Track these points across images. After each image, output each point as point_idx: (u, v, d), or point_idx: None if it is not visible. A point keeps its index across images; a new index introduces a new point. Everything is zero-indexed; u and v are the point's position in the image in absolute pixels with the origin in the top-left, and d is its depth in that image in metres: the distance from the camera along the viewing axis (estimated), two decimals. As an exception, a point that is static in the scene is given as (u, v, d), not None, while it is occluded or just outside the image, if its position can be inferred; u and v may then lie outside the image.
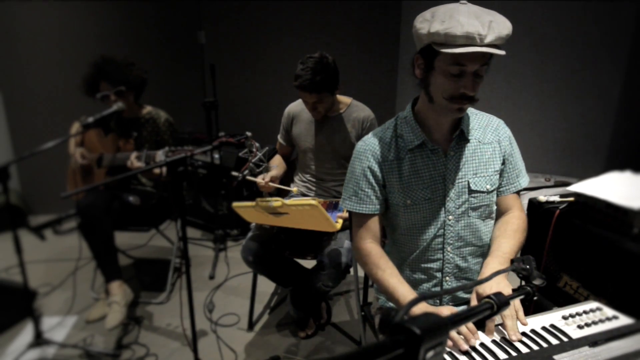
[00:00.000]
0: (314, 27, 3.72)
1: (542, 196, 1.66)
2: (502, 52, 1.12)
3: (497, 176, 1.37)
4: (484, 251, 1.41)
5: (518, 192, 1.42)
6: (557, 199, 1.64)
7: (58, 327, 2.37)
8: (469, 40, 1.09)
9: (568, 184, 1.69)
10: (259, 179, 2.03)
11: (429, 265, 1.39)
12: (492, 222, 1.42)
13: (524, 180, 1.41)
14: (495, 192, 1.38)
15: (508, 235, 1.32)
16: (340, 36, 3.69)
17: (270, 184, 2.03)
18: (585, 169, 3.58)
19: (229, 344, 2.25)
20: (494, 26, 1.10)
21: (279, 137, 2.37)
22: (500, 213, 1.42)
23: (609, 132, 3.67)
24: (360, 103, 2.26)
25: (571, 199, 1.60)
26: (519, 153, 1.42)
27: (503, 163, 1.37)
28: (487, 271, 1.23)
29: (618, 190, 1.45)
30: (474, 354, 1.01)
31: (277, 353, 2.18)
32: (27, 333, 2.29)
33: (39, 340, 2.14)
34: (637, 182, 1.51)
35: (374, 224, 1.41)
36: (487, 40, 1.09)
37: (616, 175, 1.57)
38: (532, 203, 1.69)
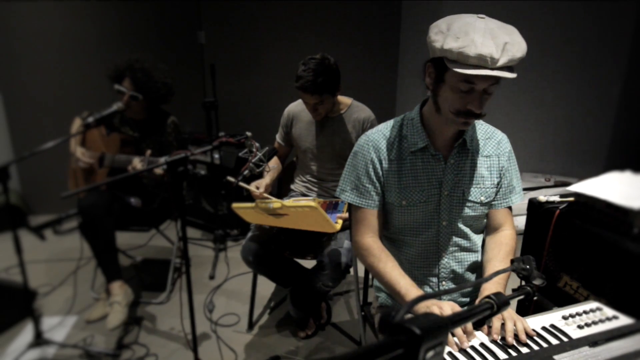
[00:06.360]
0: (314, 27, 3.71)
1: (542, 196, 1.65)
2: (513, 75, 1.11)
3: (493, 190, 1.38)
4: (478, 259, 1.43)
5: (510, 208, 1.44)
6: (557, 199, 1.63)
7: (58, 327, 2.37)
8: (481, 61, 1.08)
9: (568, 184, 1.69)
10: (253, 188, 1.98)
11: (424, 269, 1.41)
12: (482, 235, 1.45)
13: (517, 198, 1.43)
14: (488, 205, 1.40)
15: (502, 258, 1.33)
16: (340, 36, 3.68)
17: (265, 194, 1.99)
18: (585, 169, 3.58)
19: (229, 344, 2.25)
20: (508, 48, 1.09)
21: (277, 137, 2.37)
22: (491, 227, 1.43)
23: (609, 132, 3.67)
24: (361, 104, 2.26)
25: (571, 199, 1.60)
26: (517, 171, 1.44)
27: (499, 177, 1.39)
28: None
29: (618, 190, 1.45)
30: (473, 354, 1.01)
31: (277, 353, 2.18)
32: (27, 333, 2.29)
33: (39, 340, 2.14)
34: (637, 182, 1.51)
35: (374, 219, 1.41)
36: (500, 63, 1.09)
37: (616, 175, 1.57)
38: (532, 203, 1.68)
